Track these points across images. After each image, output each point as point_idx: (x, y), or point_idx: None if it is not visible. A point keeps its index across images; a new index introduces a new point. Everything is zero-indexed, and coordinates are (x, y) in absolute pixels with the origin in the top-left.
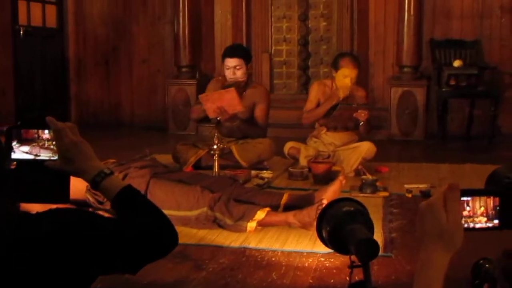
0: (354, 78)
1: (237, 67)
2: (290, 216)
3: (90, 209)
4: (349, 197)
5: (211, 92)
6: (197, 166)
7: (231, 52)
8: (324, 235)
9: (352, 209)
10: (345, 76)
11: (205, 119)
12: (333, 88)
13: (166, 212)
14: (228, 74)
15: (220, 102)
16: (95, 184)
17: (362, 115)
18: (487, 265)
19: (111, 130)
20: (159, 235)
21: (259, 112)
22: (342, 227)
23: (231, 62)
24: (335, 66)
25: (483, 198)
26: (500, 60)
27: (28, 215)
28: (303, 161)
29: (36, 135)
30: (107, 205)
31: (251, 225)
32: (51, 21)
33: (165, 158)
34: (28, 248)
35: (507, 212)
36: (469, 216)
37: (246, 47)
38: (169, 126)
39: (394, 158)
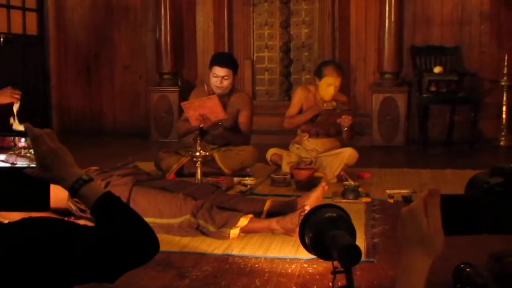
0: (337, 86)
1: (225, 77)
2: (273, 223)
3: (72, 218)
4: (331, 203)
5: (193, 100)
6: (179, 173)
7: (221, 60)
8: (307, 241)
9: (334, 215)
10: (329, 85)
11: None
12: (316, 95)
13: (149, 219)
14: (215, 82)
15: (202, 109)
16: (73, 191)
17: (346, 121)
18: (468, 269)
19: (93, 138)
20: (138, 242)
21: (243, 119)
22: (324, 233)
23: (220, 71)
24: (319, 74)
25: None
26: (479, 66)
27: (1, 224)
28: (285, 168)
29: (13, 144)
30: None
31: (234, 232)
32: (32, 28)
33: (148, 166)
34: (3, 257)
35: (487, 216)
36: None
37: (235, 58)
38: (151, 133)
39: (376, 164)
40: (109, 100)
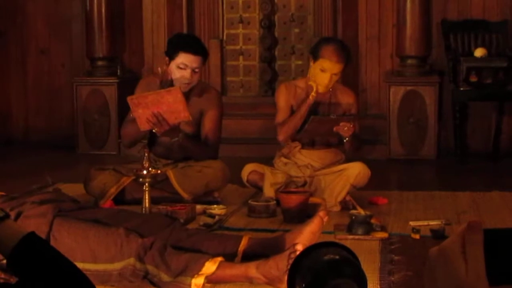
0: (336, 76)
1: (196, 69)
2: (252, 269)
3: None
4: (332, 241)
5: (144, 93)
6: (120, 199)
7: (193, 46)
8: None
9: (337, 257)
10: (324, 70)
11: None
12: (308, 91)
13: (77, 265)
14: (184, 76)
15: (157, 107)
16: None
17: (345, 129)
18: None
19: None
20: None
21: (208, 123)
22: (323, 283)
23: (192, 60)
24: (315, 54)
25: None
26: None
27: None
28: (268, 191)
29: None
30: None
31: (197, 281)
32: None
33: (75, 189)
34: None
35: None
36: None
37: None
38: (79, 143)
39: (395, 184)
40: (19, 97)
